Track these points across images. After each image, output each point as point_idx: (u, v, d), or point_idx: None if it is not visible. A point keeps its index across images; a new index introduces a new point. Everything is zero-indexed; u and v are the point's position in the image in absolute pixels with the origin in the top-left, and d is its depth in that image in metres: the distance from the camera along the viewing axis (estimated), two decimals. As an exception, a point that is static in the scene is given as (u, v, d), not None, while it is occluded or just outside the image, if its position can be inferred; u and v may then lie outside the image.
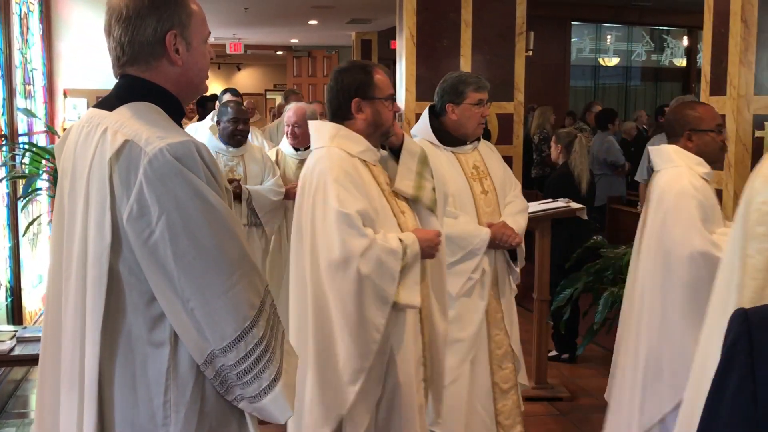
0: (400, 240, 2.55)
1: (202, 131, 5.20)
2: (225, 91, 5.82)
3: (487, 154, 3.55)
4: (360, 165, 2.65)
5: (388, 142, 2.81)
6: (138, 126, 1.57)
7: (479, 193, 3.40)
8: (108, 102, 1.68)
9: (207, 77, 1.78)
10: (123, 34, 1.63)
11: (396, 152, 2.81)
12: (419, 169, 2.79)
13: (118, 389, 1.59)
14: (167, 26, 1.64)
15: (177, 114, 1.71)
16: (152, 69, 1.66)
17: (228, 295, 1.55)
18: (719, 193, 3.95)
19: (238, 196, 4.43)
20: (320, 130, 2.74)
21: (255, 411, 1.66)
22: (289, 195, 4.60)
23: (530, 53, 7.35)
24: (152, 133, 1.55)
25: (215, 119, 5.28)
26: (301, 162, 4.71)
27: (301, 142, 4.72)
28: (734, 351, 1.02)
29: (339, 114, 2.70)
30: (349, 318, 2.50)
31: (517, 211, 3.50)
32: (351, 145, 2.65)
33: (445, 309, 2.87)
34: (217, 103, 5.67)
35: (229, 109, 4.58)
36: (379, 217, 2.60)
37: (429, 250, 2.62)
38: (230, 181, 4.38)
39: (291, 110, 4.79)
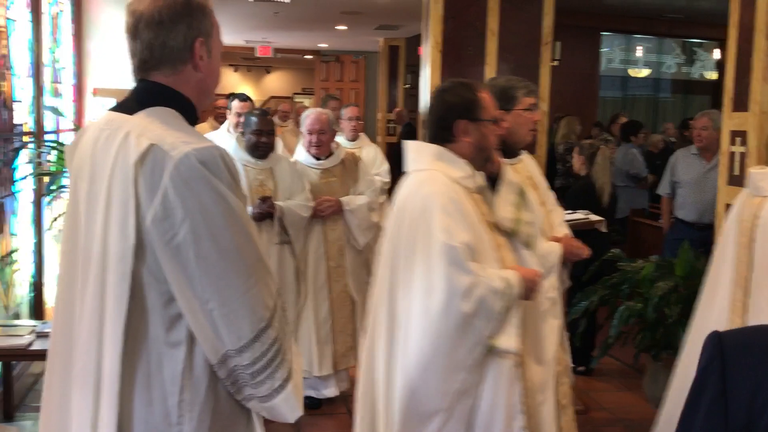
0: (505, 278, 2.38)
1: (221, 139, 5.17)
2: (233, 97, 5.44)
3: (530, 162, 3.32)
4: (462, 192, 2.45)
5: (484, 169, 2.62)
6: (161, 131, 1.61)
7: (539, 206, 3.10)
8: (127, 105, 1.71)
9: (218, 85, 1.82)
10: (155, 37, 1.67)
11: (491, 180, 2.62)
12: (517, 202, 2.63)
13: (134, 389, 1.61)
14: (196, 33, 1.70)
15: (192, 119, 1.75)
16: (177, 74, 1.71)
17: (246, 296, 1.59)
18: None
19: (271, 214, 4.20)
20: (420, 151, 2.55)
21: (264, 410, 1.70)
22: (323, 210, 4.42)
23: (556, 63, 7.32)
24: (177, 138, 1.59)
25: (229, 128, 5.25)
26: (325, 172, 4.56)
27: (324, 150, 4.57)
28: (707, 372, 1.04)
29: (441, 135, 2.51)
30: (438, 354, 2.33)
31: (561, 221, 3.32)
32: (453, 169, 2.47)
33: (542, 355, 2.69)
34: (227, 111, 5.48)
35: (252, 119, 4.30)
36: (481, 250, 2.42)
37: (530, 291, 2.46)
38: (263, 199, 4.17)
39: (312, 117, 4.55)
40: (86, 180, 1.69)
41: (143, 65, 1.71)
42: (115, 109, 1.75)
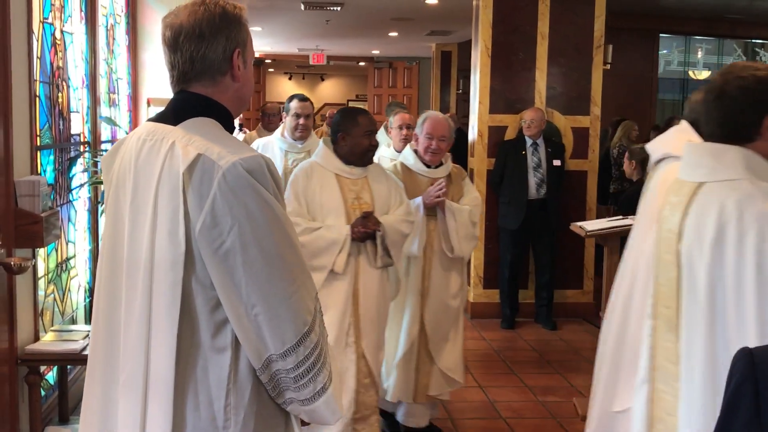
0: None
1: (274, 144, 5.22)
2: (291, 98, 5.23)
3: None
4: None
5: None
6: (205, 141, 1.65)
7: None
8: (168, 116, 1.76)
9: (252, 93, 1.87)
10: (196, 50, 1.72)
11: None
12: None
13: (182, 393, 1.65)
14: (234, 45, 1.74)
15: (230, 128, 1.80)
16: (216, 85, 1.75)
17: (290, 301, 1.63)
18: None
19: (372, 235, 3.67)
20: (723, 155, 2.09)
21: (305, 413, 1.73)
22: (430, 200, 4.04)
23: (608, 66, 7.21)
24: (223, 147, 1.63)
25: (284, 131, 5.25)
26: (433, 182, 4.14)
27: (438, 158, 4.23)
28: (739, 393, 1.00)
29: (740, 134, 2.08)
30: None
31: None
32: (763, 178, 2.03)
33: None
34: (284, 113, 5.43)
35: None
36: None
37: None
38: (366, 215, 3.66)
39: (435, 120, 4.23)
40: (129, 189, 1.73)
41: (183, 77, 1.75)
42: (155, 119, 1.79)
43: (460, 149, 7.21)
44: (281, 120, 5.72)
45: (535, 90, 6.94)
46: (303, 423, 1.82)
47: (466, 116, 8.47)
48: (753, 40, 14.66)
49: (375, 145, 3.80)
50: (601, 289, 4.68)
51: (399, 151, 4.98)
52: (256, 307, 1.60)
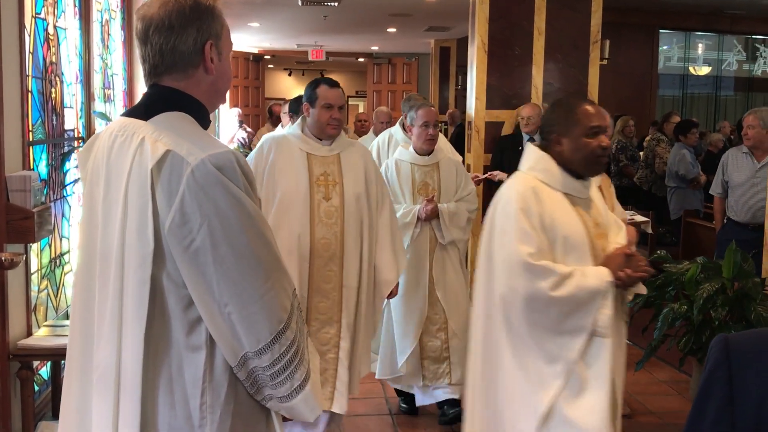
0: None
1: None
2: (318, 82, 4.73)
3: None
4: None
5: None
6: (175, 136, 1.62)
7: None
8: (140, 111, 1.72)
9: (230, 87, 1.84)
10: (165, 42, 1.68)
11: None
12: None
13: (155, 392, 1.63)
14: (206, 37, 1.70)
15: (204, 122, 1.76)
16: (188, 78, 1.72)
17: (264, 299, 1.61)
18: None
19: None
20: None
21: (284, 410, 1.72)
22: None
23: (605, 62, 7.20)
24: (192, 143, 1.60)
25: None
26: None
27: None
28: (713, 379, 1.01)
29: None
30: None
31: None
32: None
33: None
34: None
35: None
36: None
37: None
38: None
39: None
40: (102, 186, 1.71)
41: (154, 70, 1.72)
42: (127, 114, 1.76)
43: (463, 144, 7.22)
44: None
45: (531, 86, 6.92)
46: (285, 419, 1.81)
47: (465, 112, 8.45)
48: (753, 36, 14.63)
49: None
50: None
51: (421, 154, 4.42)
52: (229, 305, 1.58)
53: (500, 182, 4.35)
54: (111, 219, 1.66)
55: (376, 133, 6.48)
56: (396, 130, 5.54)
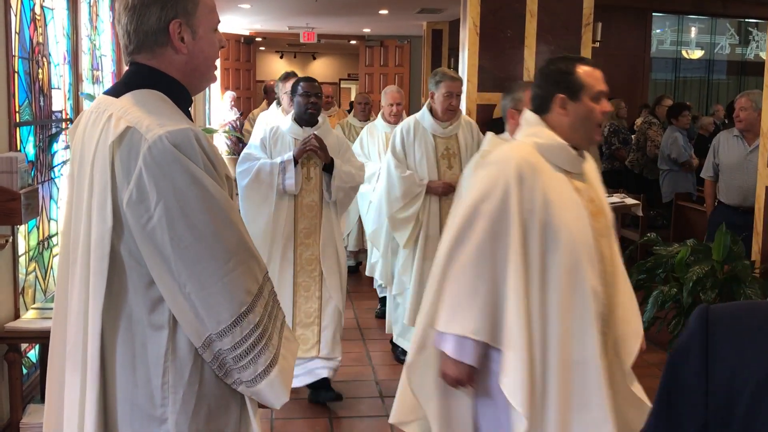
0: None
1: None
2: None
3: None
4: None
5: None
6: (140, 113, 1.61)
7: None
8: (116, 89, 1.73)
9: (215, 65, 1.80)
10: (129, 22, 1.69)
11: None
12: None
13: (119, 370, 1.63)
14: (171, 15, 1.68)
15: (184, 101, 1.75)
16: (158, 57, 1.71)
17: (224, 280, 1.58)
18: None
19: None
20: None
21: (252, 395, 1.70)
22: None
23: (597, 45, 7.18)
24: (153, 120, 1.59)
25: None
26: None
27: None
28: (689, 345, 1.02)
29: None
30: None
31: None
32: None
33: None
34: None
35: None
36: None
37: None
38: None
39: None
40: (77, 163, 1.72)
41: (125, 49, 1.73)
42: (107, 92, 1.76)
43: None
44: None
45: (523, 68, 6.90)
46: (261, 405, 1.78)
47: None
48: (746, 20, 14.61)
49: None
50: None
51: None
52: (188, 285, 1.57)
53: None
54: (81, 197, 1.67)
55: (385, 116, 6.46)
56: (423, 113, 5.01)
